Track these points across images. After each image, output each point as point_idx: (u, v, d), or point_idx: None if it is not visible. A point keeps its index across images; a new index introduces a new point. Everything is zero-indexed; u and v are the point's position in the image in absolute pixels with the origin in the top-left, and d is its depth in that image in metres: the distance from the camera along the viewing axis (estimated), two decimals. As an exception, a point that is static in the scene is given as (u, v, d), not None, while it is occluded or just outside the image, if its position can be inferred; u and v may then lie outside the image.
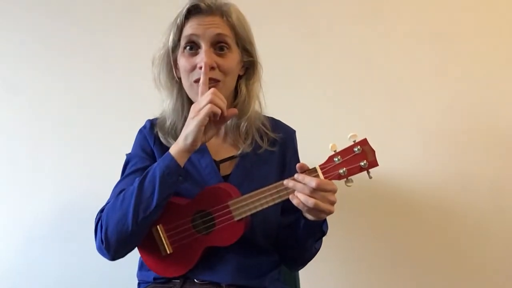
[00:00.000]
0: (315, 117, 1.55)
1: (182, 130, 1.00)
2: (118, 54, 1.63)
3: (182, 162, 1.00)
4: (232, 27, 1.08)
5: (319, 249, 1.13)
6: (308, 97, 1.57)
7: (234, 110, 1.02)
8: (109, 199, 1.07)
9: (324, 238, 1.12)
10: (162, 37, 1.11)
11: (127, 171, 1.12)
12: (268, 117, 1.20)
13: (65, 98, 1.63)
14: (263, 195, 0.99)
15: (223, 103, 0.98)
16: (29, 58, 1.65)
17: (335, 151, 0.96)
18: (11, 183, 1.62)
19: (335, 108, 1.57)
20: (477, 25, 1.54)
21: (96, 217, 1.05)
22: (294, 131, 1.22)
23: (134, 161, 1.13)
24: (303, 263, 1.16)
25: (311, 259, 1.14)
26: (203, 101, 0.97)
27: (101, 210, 1.05)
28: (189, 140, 0.98)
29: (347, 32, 1.58)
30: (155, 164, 1.02)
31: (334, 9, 1.59)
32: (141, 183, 1.00)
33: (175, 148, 1.00)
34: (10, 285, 1.58)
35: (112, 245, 1.00)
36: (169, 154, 1.00)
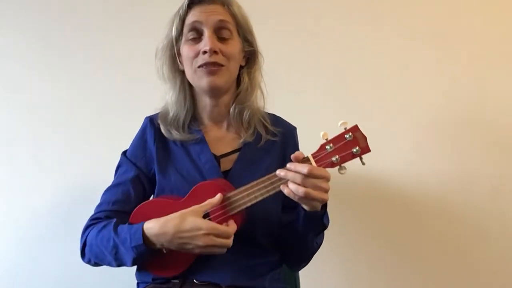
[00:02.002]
0: (314, 117, 1.54)
1: (176, 228, 0.96)
2: (118, 54, 1.63)
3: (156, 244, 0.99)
4: (234, 16, 1.11)
5: (320, 244, 1.11)
6: (307, 97, 1.57)
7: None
8: (98, 207, 1.12)
9: (324, 238, 1.12)
10: (165, 29, 1.13)
11: (115, 179, 1.16)
12: (269, 113, 1.20)
13: (65, 97, 1.63)
14: (257, 188, 0.98)
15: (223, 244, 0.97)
16: (29, 58, 1.65)
17: (326, 139, 0.96)
18: (11, 182, 1.62)
19: (335, 108, 1.57)
20: (476, 25, 1.55)
21: (85, 226, 1.10)
22: (295, 128, 1.22)
23: (124, 168, 1.16)
24: (305, 260, 1.15)
25: (313, 255, 1.13)
26: (217, 240, 0.95)
27: (88, 226, 1.09)
28: (171, 245, 0.97)
29: (347, 32, 1.58)
30: (128, 238, 0.99)
31: (334, 10, 1.59)
32: (116, 248, 1.01)
33: (152, 232, 0.98)
34: (10, 285, 1.58)
35: (91, 263, 1.10)
36: (142, 242, 0.98)
